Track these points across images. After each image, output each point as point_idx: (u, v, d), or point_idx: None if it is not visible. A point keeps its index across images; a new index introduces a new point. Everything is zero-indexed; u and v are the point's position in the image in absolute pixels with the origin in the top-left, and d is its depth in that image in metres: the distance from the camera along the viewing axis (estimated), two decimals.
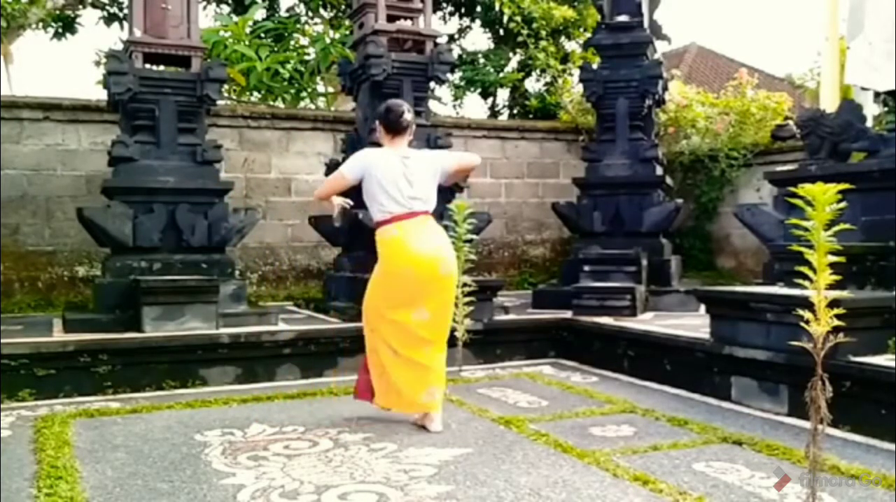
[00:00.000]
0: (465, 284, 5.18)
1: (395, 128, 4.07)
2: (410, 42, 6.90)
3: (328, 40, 10.28)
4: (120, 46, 6.13)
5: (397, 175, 3.95)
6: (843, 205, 2.60)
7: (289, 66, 9.83)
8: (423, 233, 3.96)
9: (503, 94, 12.40)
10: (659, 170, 7.30)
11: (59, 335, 5.17)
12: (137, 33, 5.91)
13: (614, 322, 5.87)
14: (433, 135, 6.78)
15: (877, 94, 6.68)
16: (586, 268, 6.62)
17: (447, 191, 6.70)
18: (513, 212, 9.67)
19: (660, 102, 7.68)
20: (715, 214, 9.20)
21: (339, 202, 4.19)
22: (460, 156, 4.47)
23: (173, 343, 5.08)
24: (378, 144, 4.34)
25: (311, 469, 3.28)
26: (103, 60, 6.27)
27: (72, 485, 3.05)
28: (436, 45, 6.85)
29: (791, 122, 6.85)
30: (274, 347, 5.33)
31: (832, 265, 2.59)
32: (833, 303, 2.63)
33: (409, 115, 4.09)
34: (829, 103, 6.60)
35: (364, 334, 4.16)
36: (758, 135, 8.87)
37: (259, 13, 11.05)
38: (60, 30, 12.07)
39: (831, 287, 2.64)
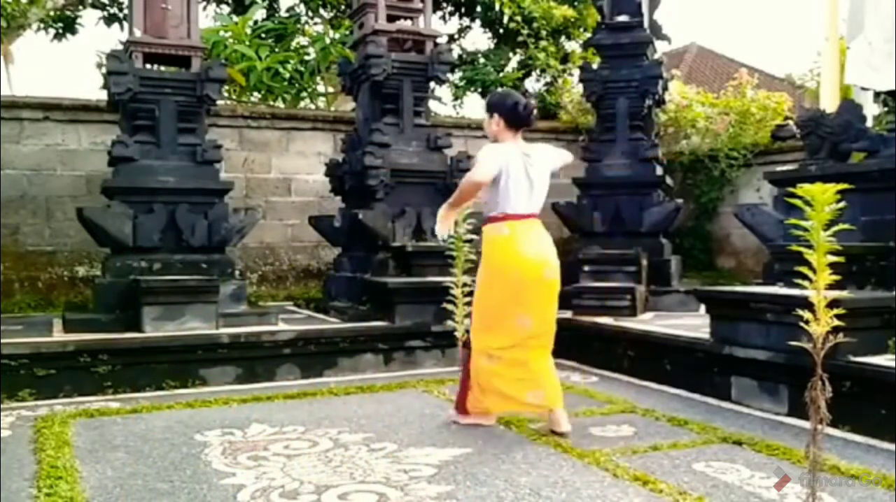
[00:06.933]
0: (465, 284, 5.18)
1: (524, 122, 3.89)
2: (410, 42, 6.91)
3: (328, 40, 10.28)
4: (120, 47, 6.13)
5: (521, 174, 3.79)
6: (842, 205, 2.59)
7: (289, 66, 9.83)
8: (532, 235, 3.88)
9: None
10: (659, 170, 7.30)
11: (59, 335, 5.17)
12: (137, 33, 5.92)
13: (614, 322, 5.86)
14: (433, 135, 6.78)
15: (877, 94, 6.68)
16: (586, 268, 6.62)
17: (447, 192, 6.71)
18: None
19: (660, 102, 7.68)
20: (715, 214, 9.20)
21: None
22: (562, 156, 4.13)
23: (173, 343, 5.08)
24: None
25: (311, 469, 3.27)
26: (104, 62, 6.26)
27: (72, 485, 3.05)
28: (436, 45, 6.86)
29: (791, 122, 6.83)
30: (274, 347, 5.33)
31: (832, 265, 2.58)
32: (833, 303, 2.62)
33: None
34: (829, 103, 6.59)
35: (465, 344, 4.06)
36: (758, 135, 8.87)
37: (259, 13, 11.04)
38: (61, 30, 12.06)
39: (831, 287, 2.64)
